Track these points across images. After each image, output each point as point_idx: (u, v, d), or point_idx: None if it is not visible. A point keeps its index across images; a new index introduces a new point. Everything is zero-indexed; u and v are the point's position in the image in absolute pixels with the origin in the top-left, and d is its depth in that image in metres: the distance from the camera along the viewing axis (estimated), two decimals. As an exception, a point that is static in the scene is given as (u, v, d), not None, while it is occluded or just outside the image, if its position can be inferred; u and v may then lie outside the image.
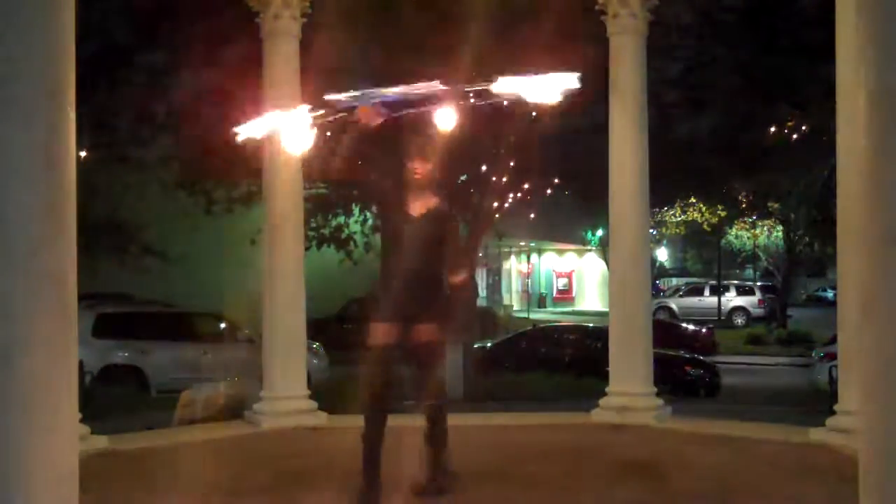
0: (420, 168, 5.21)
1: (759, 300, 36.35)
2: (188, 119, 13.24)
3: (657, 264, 41.37)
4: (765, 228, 35.00)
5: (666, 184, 14.72)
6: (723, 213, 30.70)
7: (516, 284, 41.08)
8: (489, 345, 19.30)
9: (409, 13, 10.81)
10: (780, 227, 32.32)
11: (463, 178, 14.47)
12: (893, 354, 3.19)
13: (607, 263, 11.15)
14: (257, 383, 8.33)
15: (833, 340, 11.41)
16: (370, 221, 16.15)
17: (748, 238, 37.21)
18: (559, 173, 16.07)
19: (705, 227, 32.63)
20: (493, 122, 12.00)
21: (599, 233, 33.08)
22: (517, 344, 19.04)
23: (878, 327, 3.25)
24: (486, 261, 31.05)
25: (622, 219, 8.10)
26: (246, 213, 15.35)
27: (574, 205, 24.43)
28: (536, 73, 4.41)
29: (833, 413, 6.96)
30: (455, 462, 5.51)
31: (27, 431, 3.57)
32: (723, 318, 35.01)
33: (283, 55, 7.99)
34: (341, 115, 4.76)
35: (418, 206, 5.24)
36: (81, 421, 5.41)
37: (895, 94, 3.22)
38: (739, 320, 35.24)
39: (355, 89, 4.76)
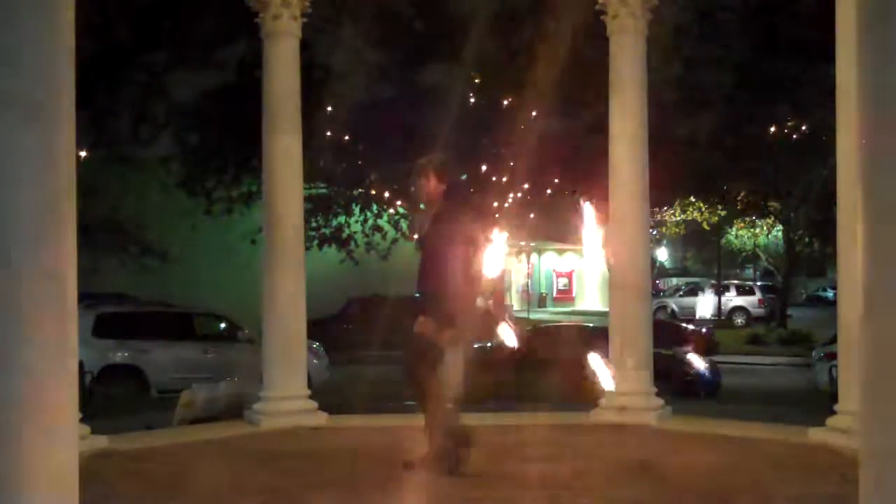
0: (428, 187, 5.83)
1: (759, 300, 36.35)
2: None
3: (657, 264, 41.33)
4: (765, 228, 34.98)
5: (666, 184, 14.71)
6: (723, 213, 30.65)
7: (516, 284, 41.00)
8: (489, 345, 19.27)
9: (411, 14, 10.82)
10: (779, 227, 32.32)
11: (463, 177, 14.45)
12: (893, 354, 3.18)
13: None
14: (257, 383, 8.33)
15: (833, 340, 11.38)
16: (370, 221, 16.17)
17: (748, 238, 37.20)
18: (559, 173, 16.09)
19: (705, 226, 32.60)
20: (493, 122, 11.99)
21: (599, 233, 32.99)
22: (517, 343, 18.96)
23: (878, 327, 3.24)
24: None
25: (622, 219, 8.10)
26: (246, 213, 15.37)
27: (574, 205, 24.39)
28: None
29: (833, 413, 6.96)
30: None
31: (27, 431, 3.56)
32: (723, 318, 34.99)
33: (282, 55, 7.99)
34: None
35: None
36: (81, 421, 5.40)
37: (892, 92, 3.21)
38: (739, 320, 35.23)
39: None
